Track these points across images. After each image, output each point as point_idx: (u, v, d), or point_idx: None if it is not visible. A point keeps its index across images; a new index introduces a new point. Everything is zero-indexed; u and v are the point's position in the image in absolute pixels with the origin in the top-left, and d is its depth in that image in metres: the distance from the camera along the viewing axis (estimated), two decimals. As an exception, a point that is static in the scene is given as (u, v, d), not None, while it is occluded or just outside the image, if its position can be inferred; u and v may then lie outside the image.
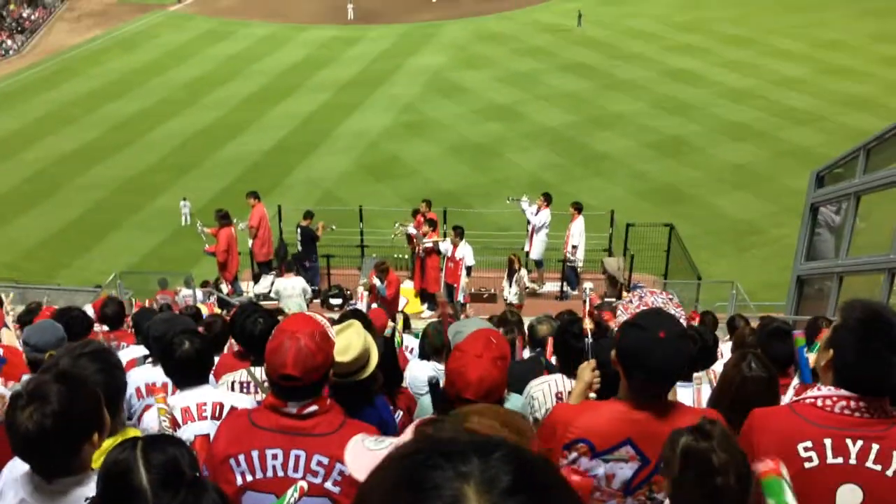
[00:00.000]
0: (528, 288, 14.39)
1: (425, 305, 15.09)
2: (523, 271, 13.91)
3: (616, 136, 30.40)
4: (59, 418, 2.23)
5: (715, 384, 3.85)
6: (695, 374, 4.09)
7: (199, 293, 13.53)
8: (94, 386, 2.50)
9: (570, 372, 4.03)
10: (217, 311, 10.78)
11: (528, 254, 15.60)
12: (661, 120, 31.94)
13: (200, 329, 4.99)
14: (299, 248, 15.63)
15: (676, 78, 37.06)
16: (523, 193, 16.39)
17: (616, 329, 2.85)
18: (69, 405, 2.27)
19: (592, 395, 2.99)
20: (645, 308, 3.35)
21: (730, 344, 6.27)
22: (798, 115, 32.05)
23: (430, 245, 14.47)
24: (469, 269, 14.22)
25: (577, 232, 15.09)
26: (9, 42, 45.47)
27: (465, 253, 14.07)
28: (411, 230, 14.80)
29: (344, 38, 45.78)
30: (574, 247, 15.01)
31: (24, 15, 49.51)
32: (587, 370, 3.01)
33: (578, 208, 15.22)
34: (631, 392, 2.61)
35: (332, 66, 40.46)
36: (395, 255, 16.48)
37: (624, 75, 37.67)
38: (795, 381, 3.42)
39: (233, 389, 4.20)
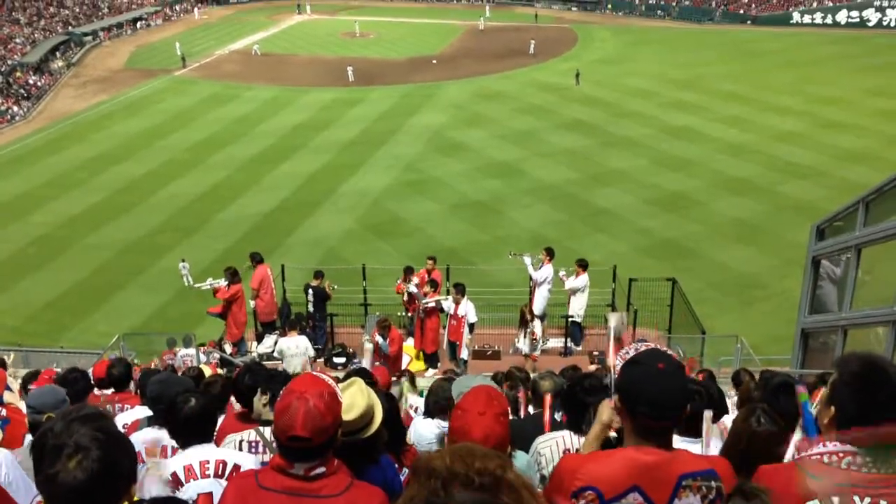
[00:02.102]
0: (539, 339, 14.38)
1: (428, 364, 15.01)
2: (536, 322, 13.93)
3: (617, 192, 30.60)
4: (107, 467, 2.17)
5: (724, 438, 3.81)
6: (705, 426, 4.05)
7: (201, 352, 13.49)
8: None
9: (579, 428, 4.00)
10: (219, 371, 10.73)
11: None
12: (662, 176, 32.19)
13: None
14: (310, 308, 15.65)
15: (675, 134, 37.48)
16: (526, 250, 16.44)
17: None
18: (115, 455, 2.22)
19: (613, 434, 2.94)
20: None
21: (735, 399, 6.22)
22: (797, 169, 32.31)
23: (431, 305, 14.44)
24: (472, 325, 14.20)
25: (579, 287, 15.17)
26: (15, 108, 46.14)
27: (468, 310, 14.06)
28: (412, 288, 14.79)
29: (345, 99, 46.44)
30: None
31: (31, 81, 50.35)
32: (607, 408, 2.97)
33: (584, 265, 15.31)
34: (636, 434, 2.57)
35: (334, 126, 40.95)
36: (399, 314, 16.46)
37: (623, 132, 38.10)
38: (796, 437, 3.40)
39: (240, 449, 4.17)
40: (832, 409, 2.51)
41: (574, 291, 15.31)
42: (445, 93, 47.31)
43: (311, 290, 15.51)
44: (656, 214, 28.47)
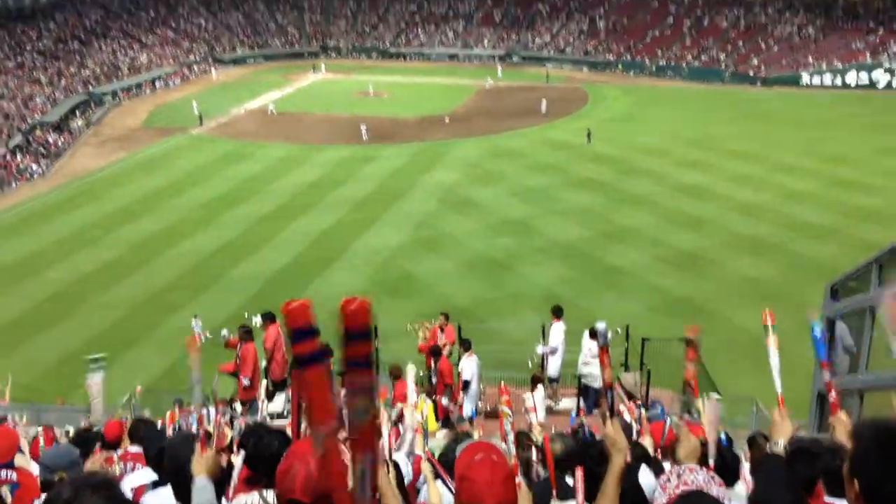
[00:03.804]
0: (537, 406, 14.19)
1: (440, 423, 14.84)
2: (538, 390, 13.77)
3: (629, 250, 30.59)
4: None
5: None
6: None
7: (212, 411, 13.37)
8: None
9: (593, 496, 3.94)
10: (228, 432, 10.64)
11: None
12: (674, 234, 32.20)
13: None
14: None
15: (687, 192, 37.58)
16: (536, 342, 16.21)
17: None
18: None
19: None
20: (685, 488, 3.15)
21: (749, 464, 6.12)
22: (810, 228, 32.25)
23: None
24: (466, 383, 13.96)
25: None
26: (34, 166, 46.86)
27: (464, 366, 13.87)
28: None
29: (359, 157, 46.93)
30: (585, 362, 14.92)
31: (51, 140, 51.22)
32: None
33: (558, 313, 15.22)
34: None
35: (347, 184, 41.32)
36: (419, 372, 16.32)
37: (635, 190, 38.24)
38: None
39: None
40: (856, 482, 2.43)
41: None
42: (458, 151, 47.77)
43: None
44: (669, 273, 28.40)
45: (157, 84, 70.95)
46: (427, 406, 15.04)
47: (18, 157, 47.43)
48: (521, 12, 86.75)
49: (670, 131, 50.79)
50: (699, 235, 32.02)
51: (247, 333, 14.78)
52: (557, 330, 15.20)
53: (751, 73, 68.88)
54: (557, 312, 15.32)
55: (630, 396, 14.65)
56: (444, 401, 14.19)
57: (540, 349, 15.32)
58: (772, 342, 3.52)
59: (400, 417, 12.40)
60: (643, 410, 11.58)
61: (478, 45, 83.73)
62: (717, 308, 25.36)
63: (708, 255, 29.99)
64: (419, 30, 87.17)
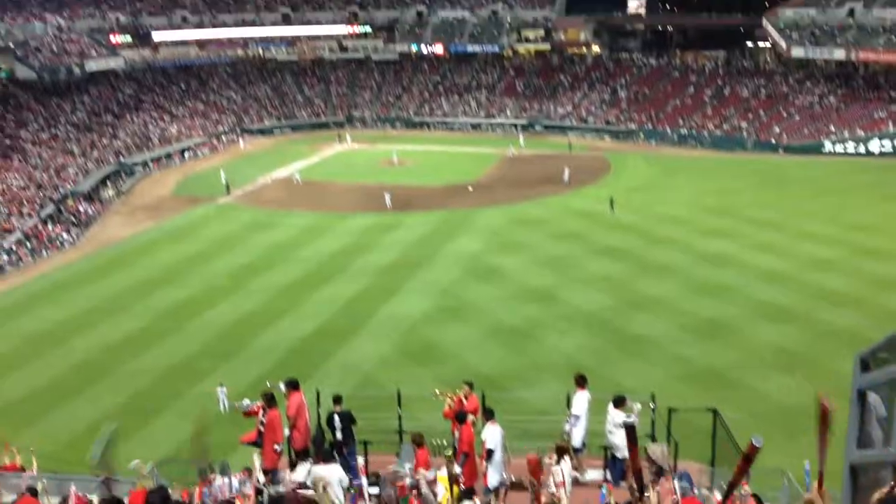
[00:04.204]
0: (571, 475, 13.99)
1: (464, 497, 14.61)
2: (566, 460, 13.57)
3: (653, 318, 30.44)
4: None
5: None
6: None
7: (236, 481, 13.34)
8: None
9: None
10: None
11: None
12: (698, 302, 32.05)
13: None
14: (339, 435, 15.45)
15: (710, 260, 37.49)
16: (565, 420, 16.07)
17: None
18: None
19: None
20: None
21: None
22: (836, 296, 31.98)
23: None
24: (490, 452, 13.78)
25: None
26: (65, 235, 47.74)
27: (487, 435, 13.71)
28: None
29: (383, 224, 47.39)
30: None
31: (82, 209, 52.26)
32: None
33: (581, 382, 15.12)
34: None
35: (372, 252, 41.66)
36: (434, 442, 16.23)
37: (658, 258, 38.22)
38: None
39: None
40: None
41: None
42: (481, 219, 48.13)
43: (337, 417, 15.34)
44: (693, 341, 28.19)
45: (187, 154, 72.44)
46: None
47: (50, 226, 48.39)
48: (543, 83, 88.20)
49: (693, 199, 50.95)
50: (723, 303, 31.84)
51: (271, 400, 14.78)
52: (581, 399, 15.08)
53: (773, 141, 69.19)
54: (581, 381, 15.21)
55: (659, 470, 14.40)
56: (456, 468, 14.02)
57: (567, 426, 15.18)
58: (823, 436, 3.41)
59: (420, 486, 12.32)
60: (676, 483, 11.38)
61: (500, 114, 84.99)
62: (742, 377, 25.08)
63: (732, 323, 29.77)
64: (442, 100, 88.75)
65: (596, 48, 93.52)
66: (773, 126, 71.32)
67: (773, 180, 56.61)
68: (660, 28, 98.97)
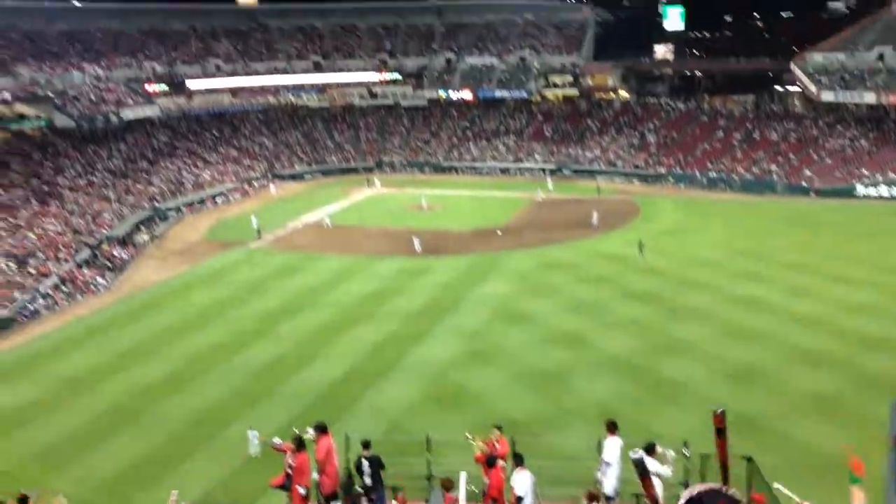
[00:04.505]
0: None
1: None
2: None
3: (685, 363, 30.09)
4: None
5: None
6: None
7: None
8: None
9: None
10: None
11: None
12: (730, 346, 31.65)
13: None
14: (367, 480, 15.39)
15: (743, 304, 37.11)
16: (594, 432, 15.92)
17: None
18: None
19: None
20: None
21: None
22: (870, 340, 31.46)
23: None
24: (519, 499, 13.63)
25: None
26: (99, 279, 48.45)
27: (517, 481, 13.56)
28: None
29: (412, 269, 47.55)
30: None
31: (116, 254, 53.07)
32: None
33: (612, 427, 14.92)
34: None
35: (401, 295, 41.75)
36: (468, 489, 16.06)
37: (689, 302, 37.90)
38: None
39: None
40: None
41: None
42: (510, 262, 48.14)
43: (365, 461, 15.28)
44: (727, 386, 27.77)
45: (219, 199, 73.51)
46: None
47: (85, 270, 49.16)
48: (571, 127, 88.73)
49: (724, 243, 50.63)
50: (756, 348, 31.41)
51: (301, 444, 14.81)
52: (613, 445, 14.90)
53: (804, 185, 68.75)
54: (612, 427, 15.05)
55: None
56: None
57: (599, 473, 14.99)
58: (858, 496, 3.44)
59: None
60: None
61: (529, 158, 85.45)
62: (777, 424, 24.63)
63: (766, 368, 29.34)
64: (471, 144, 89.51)
65: (624, 93, 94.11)
66: (804, 169, 70.93)
67: (805, 223, 56.16)
68: (687, 73, 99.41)
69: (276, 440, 15.40)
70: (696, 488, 2.74)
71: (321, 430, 15.42)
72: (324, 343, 34.76)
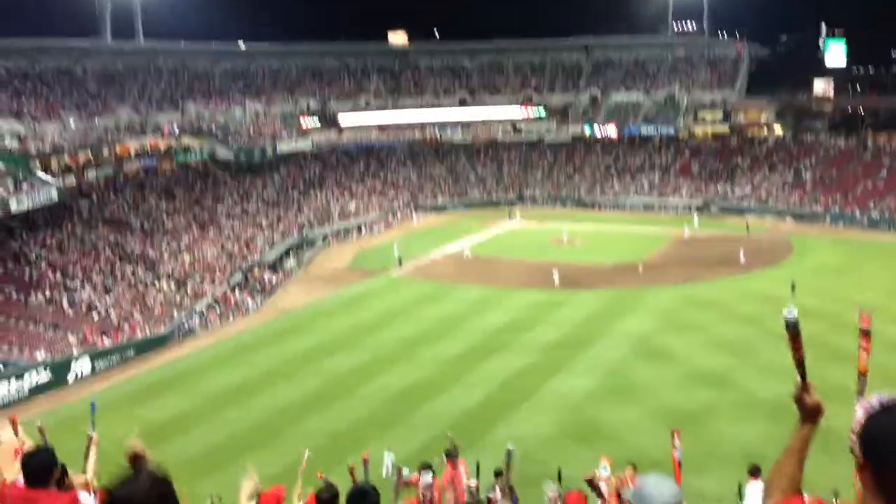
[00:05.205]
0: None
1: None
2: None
3: (841, 408, 28.04)
4: None
5: None
6: None
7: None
8: None
9: None
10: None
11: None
12: (891, 392, 29.38)
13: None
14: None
15: (906, 351, 34.45)
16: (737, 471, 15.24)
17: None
18: None
19: None
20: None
21: None
22: None
23: None
24: None
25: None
26: (249, 301, 50.85)
27: None
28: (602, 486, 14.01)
29: (550, 301, 47.13)
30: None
31: (266, 278, 55.59)
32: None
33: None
34: (885, 498, 2.21)
35: (538, 328, 41.44)
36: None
37: (846, 346, 35.47)
38: None
39: None
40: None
41: None
42: (651, 299, 46.88)
43: (498, 490, 15.09)
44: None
45: (363, 229, 75.68)
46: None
47: (237, 292, 51.73)
48: (720, 164, 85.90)
49: (886, 285, 47.28)
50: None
51: (426, 469, 14.84)
52: (755, 489, 14.13)
53: (979, 226, 63.52)
54: (755, 472, 14.33)
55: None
56: None
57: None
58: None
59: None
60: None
61: (674, 195, 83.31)
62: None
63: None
64: (614, 180, 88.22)
65: (778, 129, 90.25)
66: (980, 210, 65.56)
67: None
68: (849, 109, 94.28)
69: (406, 471, 15.55)
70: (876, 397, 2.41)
71: (453, 455, 15.44)
72: (460, 371, 34.94)
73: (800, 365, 3.20)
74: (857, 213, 71.13)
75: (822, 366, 32.79)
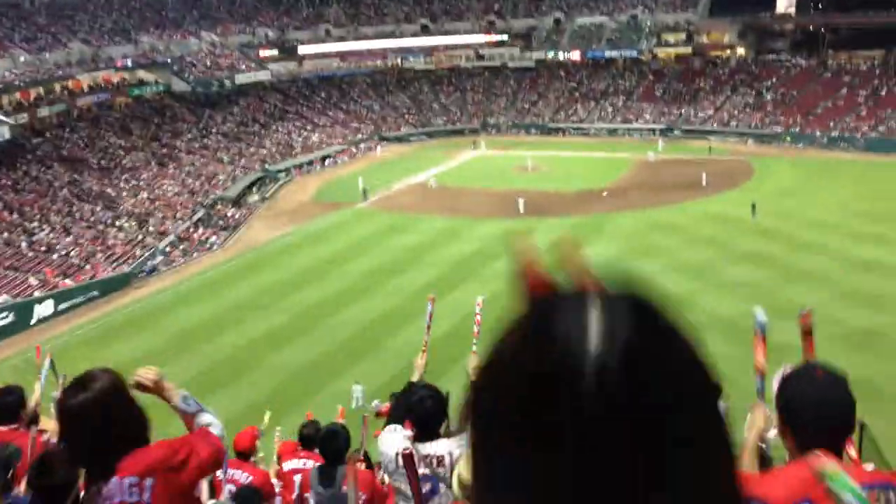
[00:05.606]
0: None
1: None
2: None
3: (798, 327, 28.86)
4: None
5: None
6: None
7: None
8: None
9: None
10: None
11: None
12: (849, 311, 30.17)
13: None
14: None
15: (863, 268, 35.30)
16: None
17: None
18: None
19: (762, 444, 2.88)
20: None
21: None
22: None
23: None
24: None
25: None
26: (213, 238, 50.39)
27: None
28: None
29: (516, 230, 47.23)
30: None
31: (229, 214, 55.02)
32: (760, 415, 2.95)
33: None
34: (801, 452, 2.56)
35: (504, 257, 41.59)
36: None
37: (804, 265, 36.31)
38: None
39: None
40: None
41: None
42: (616, 224, 47.25)
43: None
44: (844, 352, 26.41)
45: (327, 161, 74.85)
46: None
47: (201, 229, 51.19)
48: (683, 87, 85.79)
49: (844, 204, 48.09)
50: (877, 312, 29.88)
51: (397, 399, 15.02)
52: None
53: (936, 143, 64.46)
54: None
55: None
56: None
57: None
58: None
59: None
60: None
61: (638, 119, 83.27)
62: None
63: (887, 332, 27.88)
64: (578, 106, 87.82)
65: (741, 50, 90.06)
66: (937, 127, 66.48)
67: (936, 184, 52.68)
68: (811, 28, 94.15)
69: (376, 402, 15.71)
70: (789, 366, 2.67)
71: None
72: (426, 302, 35.05)
73: (761, 375, 3.38)
74: (817, 132, 71.78)
75: (780, 286, 33.64)
